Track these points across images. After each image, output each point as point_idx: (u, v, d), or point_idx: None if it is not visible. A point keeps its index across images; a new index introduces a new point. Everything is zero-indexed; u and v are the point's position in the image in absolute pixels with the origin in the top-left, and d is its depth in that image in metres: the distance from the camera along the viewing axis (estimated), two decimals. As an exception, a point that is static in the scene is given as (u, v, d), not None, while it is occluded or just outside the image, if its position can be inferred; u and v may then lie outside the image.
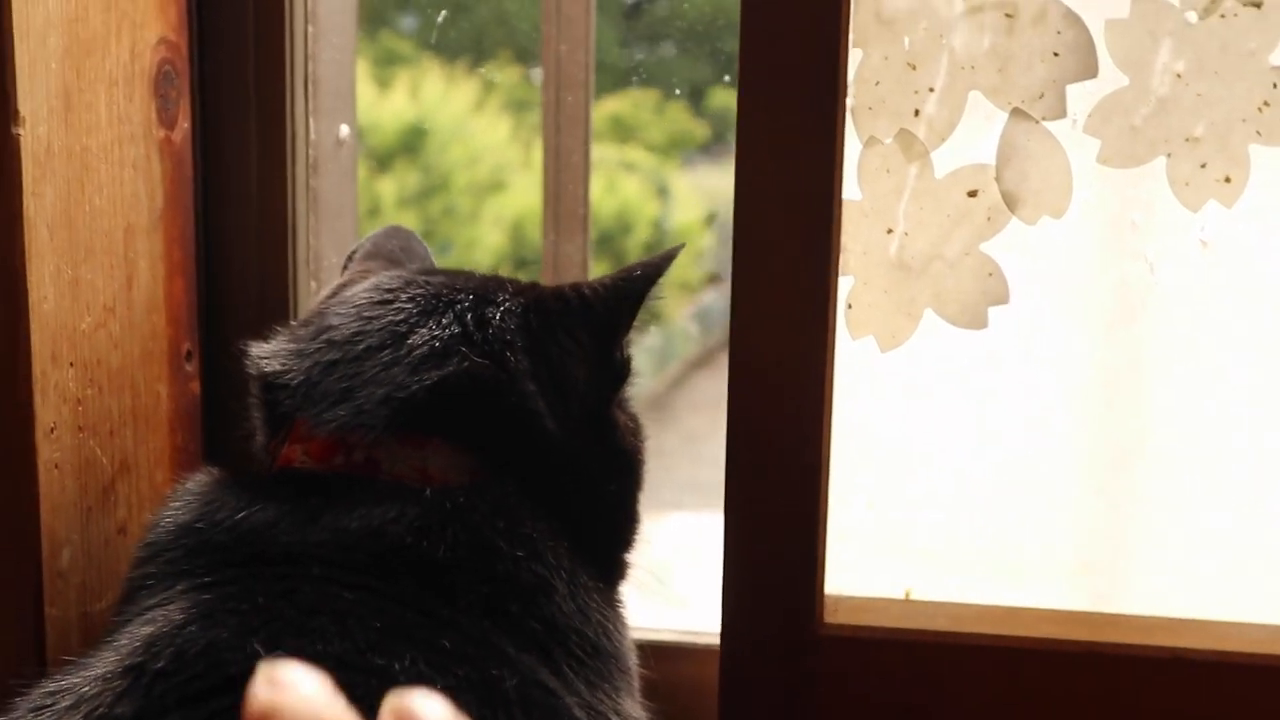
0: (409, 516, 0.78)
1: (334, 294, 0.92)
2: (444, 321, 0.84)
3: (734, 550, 0.95)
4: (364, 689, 0.65)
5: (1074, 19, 0.90)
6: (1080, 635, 0.94)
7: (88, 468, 0.95)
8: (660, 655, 0.97)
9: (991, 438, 0.97)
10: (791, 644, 0.96)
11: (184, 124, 1.04)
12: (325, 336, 0.85)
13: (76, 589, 0.94)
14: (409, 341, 0.83)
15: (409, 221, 3.64)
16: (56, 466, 0.92)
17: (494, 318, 0.85)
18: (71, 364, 0.92)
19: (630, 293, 0.90)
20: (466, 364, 0.82)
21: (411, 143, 3.80)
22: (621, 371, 0.91)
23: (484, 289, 0.88)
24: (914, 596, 1.00)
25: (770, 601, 0.96)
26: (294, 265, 1.10)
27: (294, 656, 0.66)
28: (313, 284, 1.13)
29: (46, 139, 0.89)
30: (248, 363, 0.88)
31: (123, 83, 0.96)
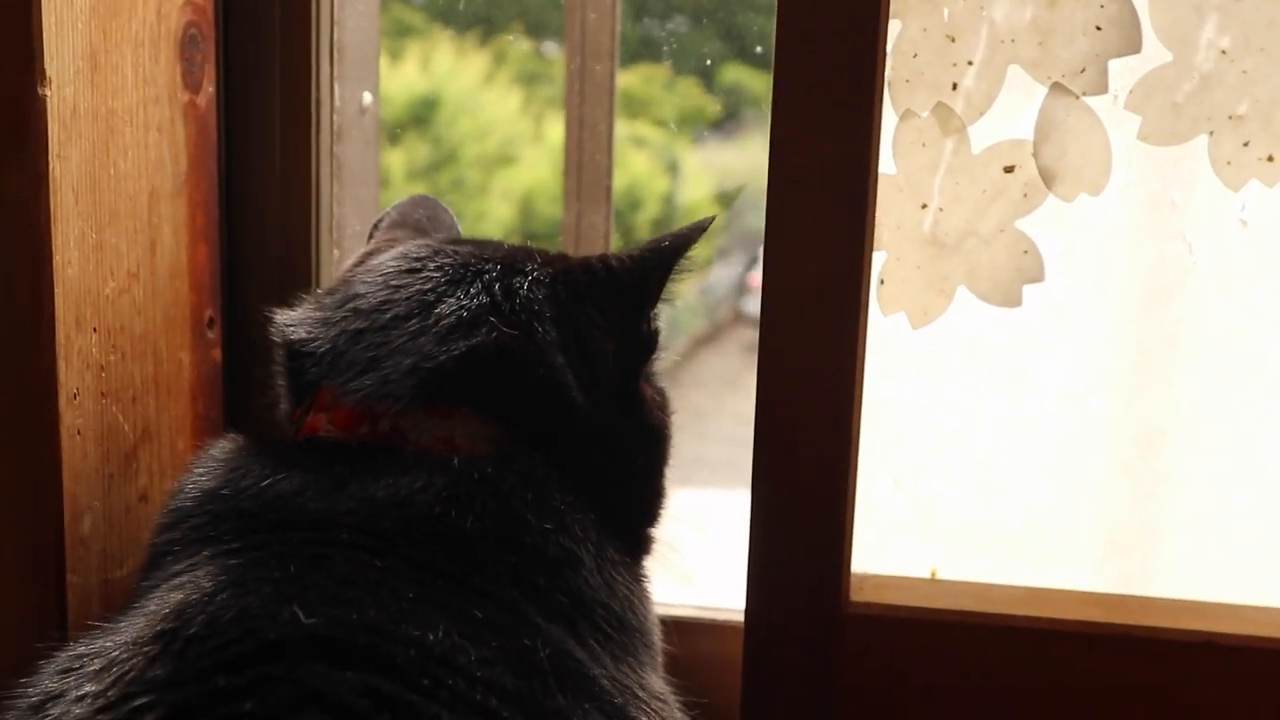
0: (436, 486, 0.77)
1: (360, 262, 0.91)
2: (472, 291, 0.83)
3: (760, 526, 0.94)
4: (403, 658, 0.65)
5: (1118, -7, 0.88)
6: (1109, 617, 0.93)
7: (110, 434, 0.94)
8: (682, 631, 0.96)
9: (1022, 417, 0.96)
10: (816, 622, 0.95)
11: (209, 88, 1.03)
12: (352, 305, 0.84)
13: (98, 556, 0.93)
14: (436, 311, 0.82)
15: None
16: (79, 433, 0.91)
17: (521, 288, 0.84)
18: (95, 329, 0.91)
19: (659, 264, 0.88)
20: (495, 334, 0.81)
21: (422, 115, 3.78)
22: (649, 344, 0.90)
23: (512, 259, 0.87)
24: (940, 576, 0.99)
25: (796, 579, 0.95)
26: (317, 232, 1.09)
27: (330, 625, 0.66)
28: (336, 251, 1.11)
29: (73, 100, 0.88)
30: (273, 330, 0.87)
31: (148, 44, 0.95)
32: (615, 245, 1.22)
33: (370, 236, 0.98)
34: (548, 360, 0.83)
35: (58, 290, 0.87)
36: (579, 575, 0.78)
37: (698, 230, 0.89)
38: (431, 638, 0.66)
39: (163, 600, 0.70)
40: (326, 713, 0.61)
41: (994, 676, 0.94)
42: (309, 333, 0.84)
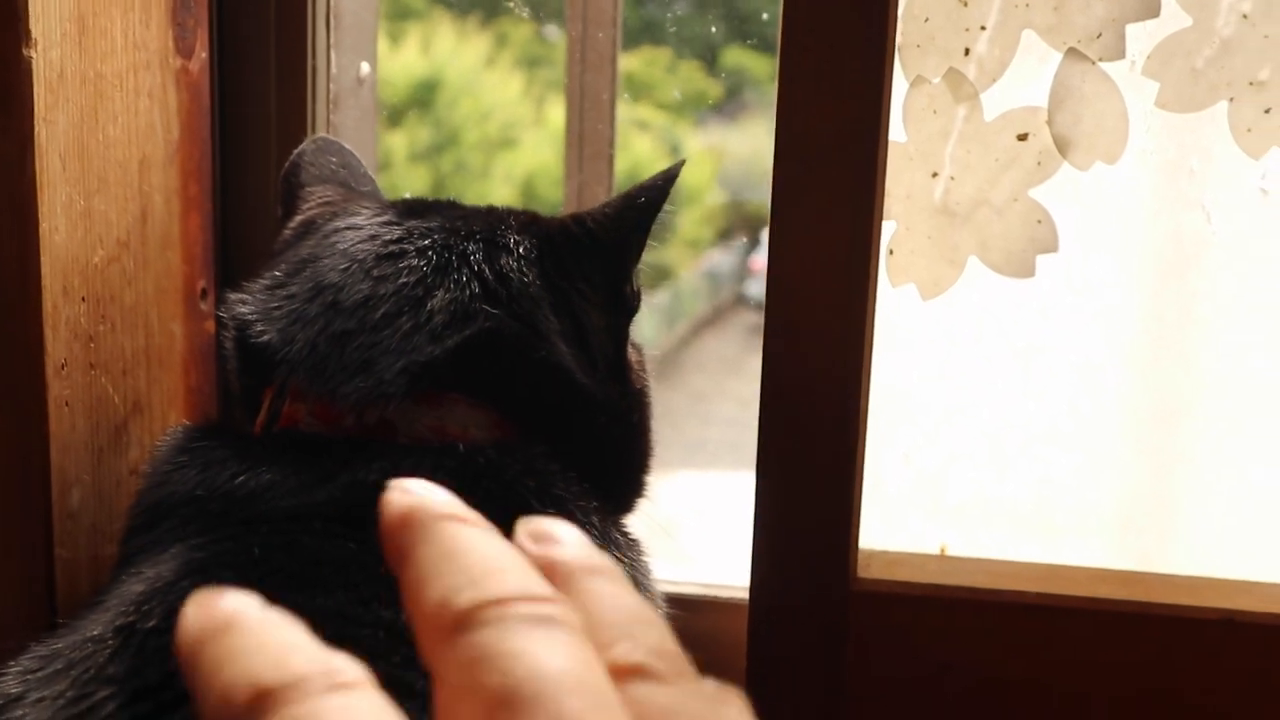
0: (443, 470, 0.74)
1: (304, 231, 0.86)
2: (461, 279, 0.79)
3: (766, 502, 0.92)
4: (371, 640, 0.62)
5: (1136, -47, 0.86)
6: (1124, 595, 0.91)
7: (99, 406, 0.91)
8: (686, 608, 0.94)
9: (1034, 390, 0.94)
10: (823, 599, 0.93)
11: (201, 54, 1.00)
12: (329, 298, 0.79)
13: (87, 531, 0.91)
14: (428, 306, 0.78)
15: (420, 178, 3.61)
16: (67, 404, 0.88)
17: (512, 269, 0.81)
18: (83, 299, 0.89)
19: (638, 220, 0.85)
20: (489, 323, 0.78)
21: (423, 97, 3.76)
22: (633, 305, 0.88)
23: (489, 232, 0.83)
24: (950, 552, 0.97)
25: (802, 555, 0.92)
26: (313, 204, 1.07)
27: (292, 611, 0.63)
28: (332, 224, 1.09)
29: (59, 63, 0.85)
30: (227, 321, 0.82)
31: (139, 7, 0.92)
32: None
33: (285, 190, 0.92)
34: (550, 347, 0.80)
35: (44, 257, 0.85)
36: None
37: (669, 178, 0.85)
38: (404, 618, 0.64)
39: (123, 594, 0.68)
40: None
41: (1005, 655, 0.92)
42: (281, 334, 0.78)
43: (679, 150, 3.95)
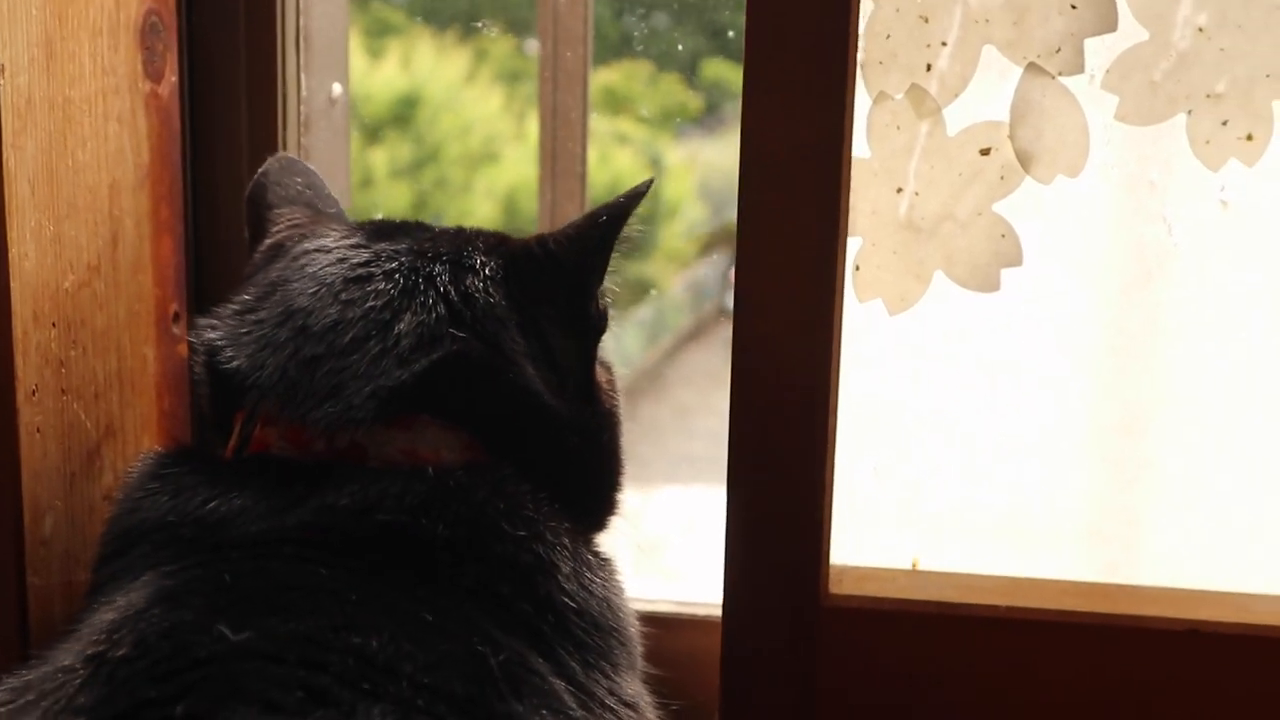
0: (409, 494, 0.74)
1: (273, 254, 0.86)
2: (428, 303, 0.80)
3: (737, 518, 0.93)
4: (339, 667, 0.63)
5: (1093, -30, 0.87)
6: (1093, 607, 0.92)
7: (71, 432, 0.92)
8: (661, 625, 0.94)
9: (1002, 404, 0.95)
10: (795, 615, 0.93)
11: (171, 78, 1.01)
12: (298, 323, 0.79)
13: (59, 557, 0.91)
14: (396, 330, 0.78)
15: (401, 194, 3.60)
16: (38, 430, 0.89)
17: (478, 291, 0.81)
18: (54, 324, 0.89)
19: (600, 239, 0.84)
20: (456, 346, 0.78)
21: (403, 113, 3.76)
22: (600, 325, 0.88)
23: (456, 254, 0.83)
24: (921, 567, 0.97)
25: (774, 571, 0.93)
26: (284, 226, 1.07)
27: (262, 636, 0.64)
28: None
29: (27, 89, 0.86)
30: (198, 346, 0.82)
31: (107, 32, 0.93)
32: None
33: (252, 212, 0.91)
34: (517, 369, 0.80)
35: (13, 284, 0.85)
36: (552, 581, 0.76)
37: (634, 197, 0.85)
38: (375, 644, 0.64)
39: (95, 623, 0.68)
40: (254, 705, 0.59)
41: (977, 668, 0.92)
42: (250, 360, 0.79)
43: (659, 163, 3.95)
